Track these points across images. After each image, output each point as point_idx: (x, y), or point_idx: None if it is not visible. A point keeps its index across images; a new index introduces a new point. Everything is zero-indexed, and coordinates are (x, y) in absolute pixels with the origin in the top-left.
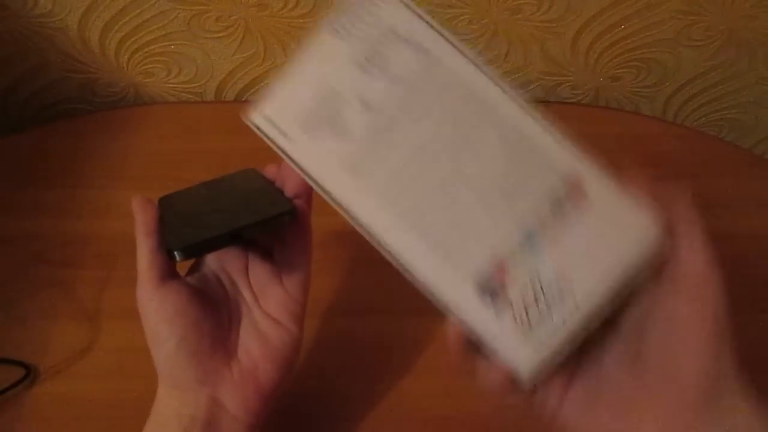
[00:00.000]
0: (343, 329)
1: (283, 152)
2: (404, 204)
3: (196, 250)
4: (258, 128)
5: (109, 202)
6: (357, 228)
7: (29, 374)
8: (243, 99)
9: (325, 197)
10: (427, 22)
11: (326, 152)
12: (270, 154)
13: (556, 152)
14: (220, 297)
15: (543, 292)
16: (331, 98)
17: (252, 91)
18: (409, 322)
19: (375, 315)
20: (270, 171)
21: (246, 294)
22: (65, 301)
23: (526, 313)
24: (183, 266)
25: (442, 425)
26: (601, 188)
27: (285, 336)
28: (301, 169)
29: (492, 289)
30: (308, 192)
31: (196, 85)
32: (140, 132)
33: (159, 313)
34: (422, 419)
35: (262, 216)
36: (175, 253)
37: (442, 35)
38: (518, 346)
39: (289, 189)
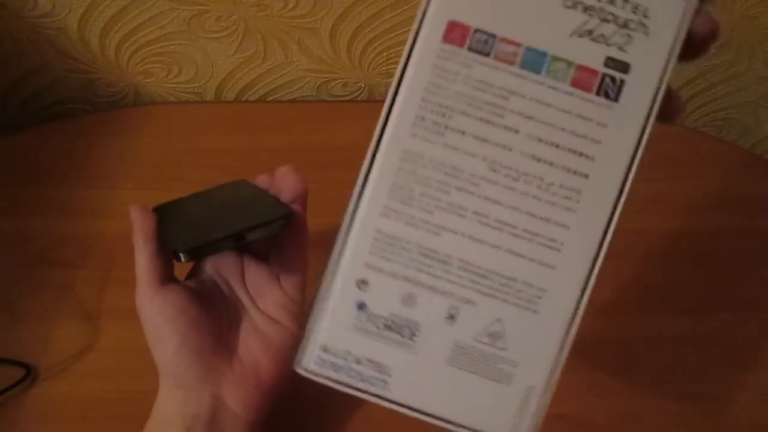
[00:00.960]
0: None
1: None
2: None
3: (201, 252)
4: None
5: (109, 202)
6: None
7: (29, 374)
8: (243, 99)
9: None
10: None
11: None
12: (269, 154)
13: None
14: (218, 300)
15: None
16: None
17: (252, 91)
18: None
19: None
20: (262, 180)
21: (243, 297)
22: (65, 301)
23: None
24: (180, 274)
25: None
26: None
27: (285, 334)
28: None
29: None
30: (303, 197)
31: (196, 85)
32: (140, 132)
33: (160, 313)
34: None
35: (263, 219)
36: (181, 255)
37: None
38: None
39: (286, 195)
